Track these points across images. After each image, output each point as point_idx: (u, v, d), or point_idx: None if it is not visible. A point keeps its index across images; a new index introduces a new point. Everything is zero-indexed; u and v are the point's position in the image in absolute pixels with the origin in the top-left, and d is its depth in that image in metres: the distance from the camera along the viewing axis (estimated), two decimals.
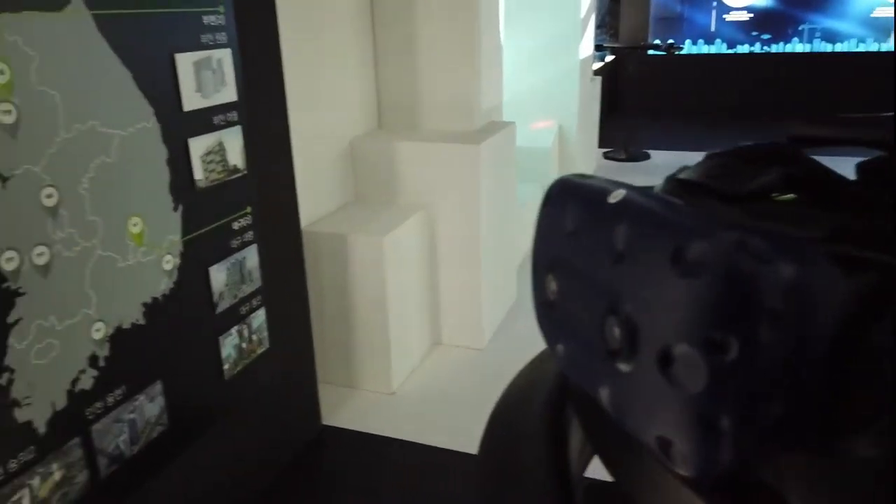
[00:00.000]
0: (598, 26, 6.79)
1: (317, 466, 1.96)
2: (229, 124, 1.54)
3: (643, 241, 0.28)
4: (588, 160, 5.04)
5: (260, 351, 1.71)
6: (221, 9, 1.50)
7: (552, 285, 0.35)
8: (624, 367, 0.29)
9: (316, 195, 2.26)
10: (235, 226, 1.59)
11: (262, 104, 1.67)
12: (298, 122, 2.02)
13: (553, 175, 3.63)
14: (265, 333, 1.72)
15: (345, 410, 2.19)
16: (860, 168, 0.37)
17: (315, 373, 2.02)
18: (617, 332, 0.29)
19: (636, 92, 7.64)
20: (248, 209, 1.63)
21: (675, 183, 0.32)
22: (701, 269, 0.25)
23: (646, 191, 0.31)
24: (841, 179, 0.33)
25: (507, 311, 2.76)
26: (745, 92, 7.39)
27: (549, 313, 0.35)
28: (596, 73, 6.19)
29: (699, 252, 0.25)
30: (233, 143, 1.55)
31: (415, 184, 2.37)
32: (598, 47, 5.60)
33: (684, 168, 0.37)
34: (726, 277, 0.25)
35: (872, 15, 6.90)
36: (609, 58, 7.25)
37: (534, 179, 3.41)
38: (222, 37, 1.50)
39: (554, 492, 0.40)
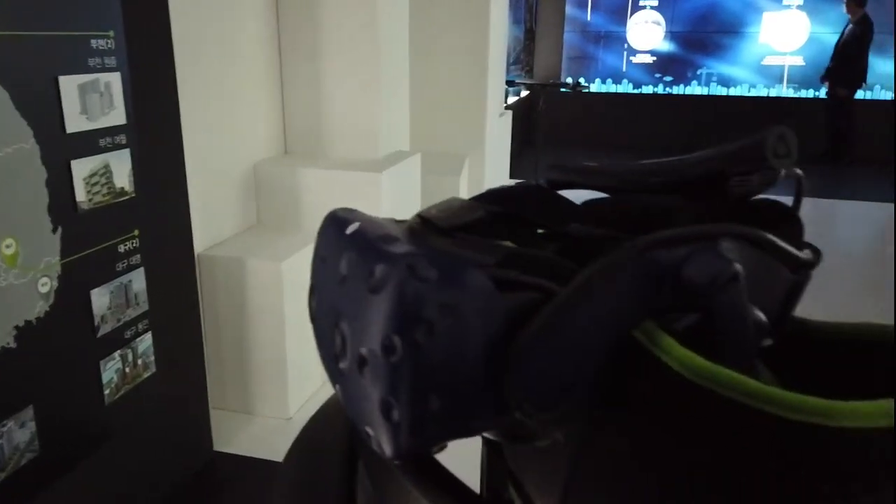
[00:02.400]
0: (513, 63, 7.06)
1: (205, 494, 1.93)
2: (117, 147, 1.54)
3: (356, 265, 0.34)
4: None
5: (146, 375, 1.69)
6: (111, 33, 1.50)
7: (313, 304, 0.41)
8: (344, 368, 0.35)
9: (215, 219, 2.26)
10: (121, 249, 1.58)
11: (154, 128, 1.67)
12: (197, 145, 2.03)
13: None
14: (152, 358, 1.70)
15: (239, 437, 2.17)
16: (584, 204, 0.45)
17: (206, 398, 2.00)
18: (338, 340, 0.35)
19: (548, 127, 7.95)
20: (136, 232, 1.62)
21: (417, 217, 0.38)
22: (382, 286, 0.31)
23: (384, 223, 0.38)
24: (544, 218, 0.41)
25: None
26: (650, 129, 7.82)
27: (314, 328, 0.41)
28: (509, 107, 6.43)
29: (382, 272, 0.32)
30: (120, 166, 1.55)
31: (318, 210, 2.40)
32: (509, 83, 5.83)
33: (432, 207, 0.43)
34: (396, 292, 0.31)
35: (763, 63, 7.49)
36: (524, 93, 7.54)
37: None
38: (111, 61, 1.51)
39: None
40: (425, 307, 0.30)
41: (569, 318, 0.31)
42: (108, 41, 1.50)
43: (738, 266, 0.31)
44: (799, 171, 0.46)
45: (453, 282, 0.31)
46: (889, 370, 0.41)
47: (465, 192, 3.88)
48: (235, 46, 2.30)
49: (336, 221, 0.38)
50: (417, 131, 3.76)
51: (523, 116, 7.70)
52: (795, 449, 0.29)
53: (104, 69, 1.49)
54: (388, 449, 0.32)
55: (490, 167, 4.09)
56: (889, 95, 6.02)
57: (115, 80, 1.52)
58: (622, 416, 0.32)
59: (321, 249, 0.39)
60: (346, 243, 0.36)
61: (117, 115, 1.53)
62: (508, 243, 0.37)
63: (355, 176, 2.35)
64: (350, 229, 0.36)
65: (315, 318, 0.40)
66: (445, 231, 0.36)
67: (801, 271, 0.38)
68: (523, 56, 7.50)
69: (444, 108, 3.81)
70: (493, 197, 0.42)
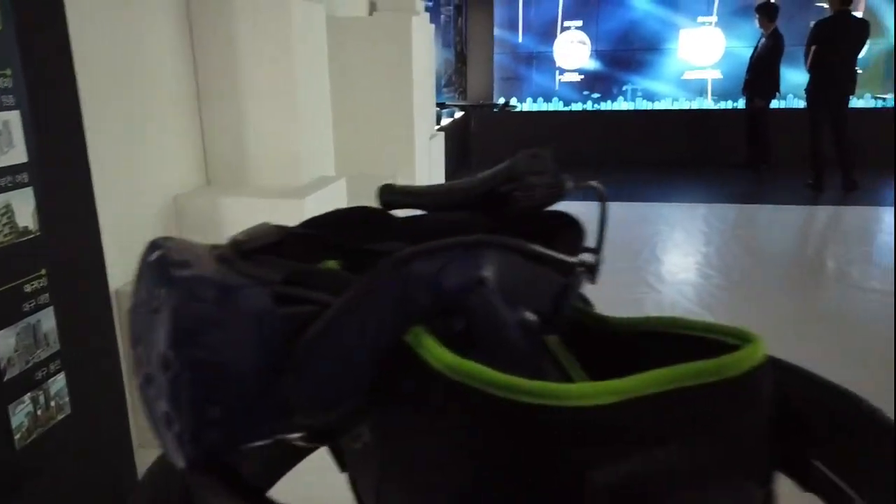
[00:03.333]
0: (445, 85, 7.19)
1: None
2: (18, 186, 1.51)
3: (148, 290, 0.37)
4: None
5: (60, 417, 1.65)
6: (9, 71, 1.49)
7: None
8: (139, 386, 0.38)
9: (134, 254, 2.22)
10: (28, 288, 1.54)
11: (59, 165, 1.65)
12: (110, 180, 2.01)
13: None
14: (66, 399, 1.66)
15: None
16: (403, 221, 0.49)
17: (130, 437, 1.95)
18: (135, 361, 0.38)
19: (484, 146, 8.11)
20: (43, 271, 1.59)
21: (229, 242, 0.41)
22: (161, 308, 0.34)
23: (193, 249, 0.40)
24: (363, 237, 0.44)
25: None
26: (582, 144, 8.04)
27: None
28: (442, 129, 6.53)
29: (163, 295, 0.34)
30: (23, 205, 1.52)
31: None
32: (441, 105, 5.92)
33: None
34: (172, 313, 0.34)
35: (683, 77, 7.82)
36: (459, 114, 7.67)
37: None
38: (9, 99, 1.49)
39: None
40: (200, 325, 0.33)
41: (338, 327, 0.34)
42: (6, 79, 1.48)
43: (485, 272, 0.35)
44: (595, 183, 0.51)
45: (228, 300, 0.34)
46: (672, 354, 0.46)
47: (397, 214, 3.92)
48: (149, 79, 2.29)
49: (148, 250, 0.41)
50: (346, 156, 3.78)
51: (458, 137, 7.82)
52: (540, 427, 0.32)
53: (2, 108, 1.47)
54: (176, 459, 0.35)
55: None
56: (801, 104, 6.36)
57: (13, 118, 1.50)
58: (398, 412, 0.35)
59: (135, 278, 0.41)
60: (145, 270, 0.38)
61: (17, 154, 1.51)
62: (330, 262, 0.40)
63: (278, 203, 2.36)
64: (152, 257, 0.38)
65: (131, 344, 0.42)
66: (247, 254, 0.39)
67: (574, 273, 0.43)
68: (455, 78, 7.64)
69: (371, 132, 3.85)
70: (317, 220, 0.45)
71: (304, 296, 0.35)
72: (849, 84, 6.07)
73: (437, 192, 0.48)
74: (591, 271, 0.45)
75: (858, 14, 6.88)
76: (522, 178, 0.43)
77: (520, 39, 8.07)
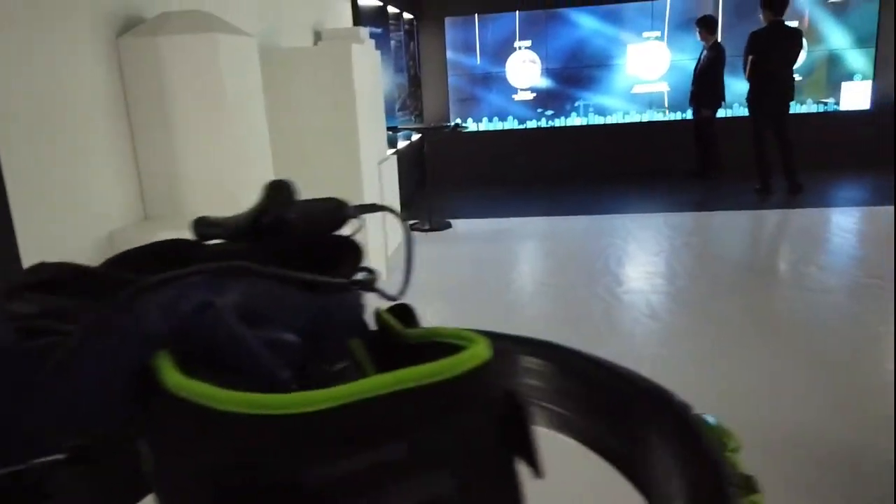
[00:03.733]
0: (401, 109, 7.27)
1: None
2: None
3: None
4: (394, 235, 5.31)
5: None
6: None
7: None
8: None
9: None
10: None
11: None
12: (37, 219, 2.01)
13: None
14: None
15: None
16: (207, 252, 0.52)
17: None
18: None
19: (442, 167, 8.20)
20: None
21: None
22: None
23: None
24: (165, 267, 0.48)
25: None
26: (536, 161, 8.18)
27: None
28: (398, 152, 6.59)
29: None
30: None
31: None
32: (393, 129, 5.99)
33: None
34: None
35: (632, 91, 8.01)
36: (416, 137, 7.75)
37: None
38: None
39: None
40: None
41: (77, 356, 0.37)
42: None
43: (220, 297, 0.39)
44: (391, 209, 0.55)
45: None
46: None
47: None
48: (79, 119, 2.30)
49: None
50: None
51: (417, 159, 7.91)
52: (258, 437, 0.36)
53: None
54: None
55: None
56: (746, 112, 6.55)
57: None
58: (151, 434, 0.39)
59: None
60: None
61: None
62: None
63: None
64: None
65: None
66: (14, 291, 0.42)
67: (349, 292, 0.47)
68: (410, 102, 7.72)
69: (317, 159, 3.89)
70: (129, 254, 0.49)
71: (55, 328, 0.39)
72: (787, 91, 6.28)
73: (232, 223, 0.52)
74: (369, 289, 0.49)
75: (794, 24, 7.14)
76: (271, 208, 0.47)
77: (474, 61, 8.21)
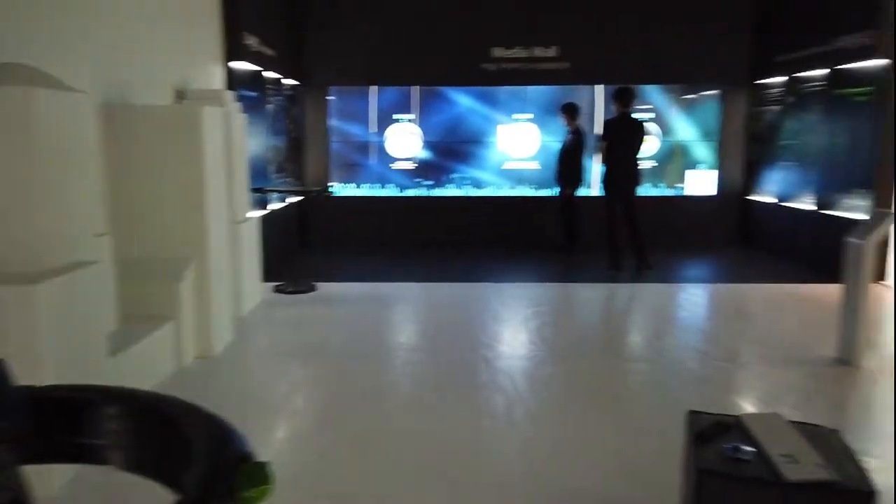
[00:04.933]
0: (278, 171, 7.32)
1: None
2: None
3: None
4: (252, 295, 5.26)
5: None
6: None
7: None
8: None
9: None
10: None
11: None
12: None
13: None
14: None
15: None
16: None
17: None
18: None
19: (322, 230, 8.28)
20: None
21: None
22: None
23: None
24: None
25: None
26: (414, 229, 8.41)
27: None
28: (272, 213, 6.61)
29: None
30: None
31: None
32: (258, 190, 6.02)
33: None
34: None
35: (503, 167, 8.47)
36: (295, 199, 7.81)
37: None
38: None
39: None
40: None
41: None
42: None
43: None
44: None
45: None
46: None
47: (187, 296, 3.89)
48: None
49: None
50: (130, 239, 3.75)
51: (294, 220, 7.93)
52: None
53: None
54: None
55: (218, 272, 4.17)
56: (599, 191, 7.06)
57: None
58: None
59: None
60: None
61: None
62: None
63: (3, 291, 2.30)
64: None
65: None
66: None
67: None
68: (289, 164, 7.80)
69: (162, 215, 3.86)
70: None
71: None
72: (634, 176, 6.85)
73: None
74: None
75: (643, 116, 7.87)
76: None
77: (357, 129, 8.44)
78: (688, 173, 8.49)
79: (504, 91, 8.33)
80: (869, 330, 4.28)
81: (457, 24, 8.13)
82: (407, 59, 8.18)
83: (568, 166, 7.70)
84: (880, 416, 3.45)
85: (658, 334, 5.04)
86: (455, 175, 8.51)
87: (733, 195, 8.47)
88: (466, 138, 8.43)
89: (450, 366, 4.11)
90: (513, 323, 5.28)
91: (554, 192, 8.11)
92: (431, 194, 8.52)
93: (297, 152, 8.15)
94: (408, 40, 8.15)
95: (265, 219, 6.37)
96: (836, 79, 6.65)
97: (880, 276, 6.30)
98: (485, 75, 8.17)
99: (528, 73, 8.15)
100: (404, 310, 5.63)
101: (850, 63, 6.42)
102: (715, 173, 8.47)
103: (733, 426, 2.08)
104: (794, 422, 2.13)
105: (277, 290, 5.90)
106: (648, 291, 6.27)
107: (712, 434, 2.02)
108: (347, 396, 3.61)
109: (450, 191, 8.52)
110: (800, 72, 7.27)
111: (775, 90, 7.82)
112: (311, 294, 5.86)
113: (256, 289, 5.43)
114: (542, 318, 5.27)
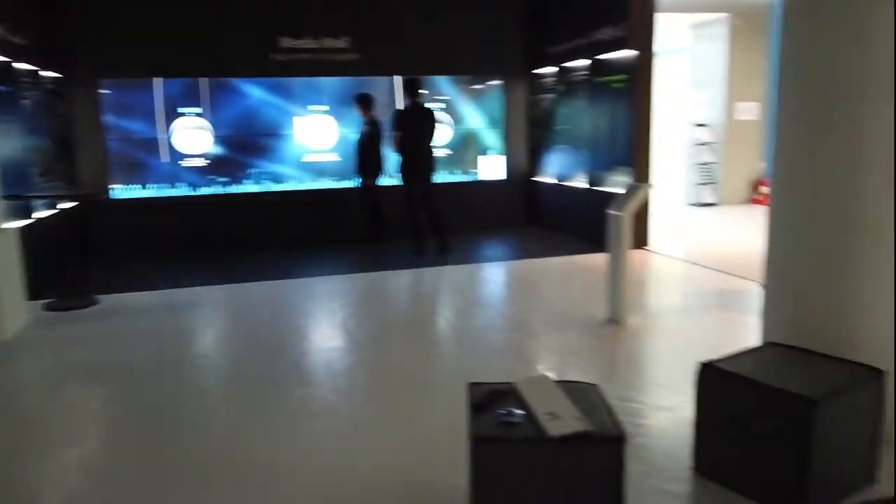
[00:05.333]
0: (43, 174, 6.53)
1: None
2: None
3: None
4: (14, 316, 4.66)
5: None
6: None
7: None
8: None
9: None
10: None
11: None
12: None
13: None
14: None
15: None
16: None
17: None
18: None
19: (99, 237, 7.53)
20: None
21: None
22: None
23: None
24: None
25: None
26: (211, 228, 7.98)
27: None
28: (38, 222, 5.89)
29: None
30: None
31: None
32: (12, 197, 5.33)
33: None
34: None
35: (303, 160, 8.33)
36: (68, 205, 7.02)
37: None
38: None
39: None
40: None
41: None
42: None
43: None
44: None
45: None
46: None
47: None
48: None
49: None
50: None
51: (67, 229, 7.13)
52: None
53: None
54: None
55: None
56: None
57: None
58: None
59: None
60: None
61: None
62: None
63: None
64: None
65: None
66: None
67: None
68: (58, 167, 7.00)
69: None
70: None
71: None
72: (428, 163, 7.11)
73: None
74: None
75: (435, 105, 8.18)
76: None
77: (137, 125, 7.78)
78: (480, 159, 8.97)
79: (298, 82, 8.17)
80: (631, 292, 4.87)
81: (243, 13, 7.81)
82: (190, 49, 7.71)
83: (366, 157, 7.78)
84: (642, 367, 3.96)
85: (459, 314, 5.31)
86: (252, 170, 8.21)
87: (521, 178, 9.11)
88: (262, 131, 8.16)
89: (249, 368, 3.99)
90: (319, 317, 5.25)
91: (356, 183, 8.14)
92: (228, 191, 8.14)
93: (66, 153, 7.34)
94: (190, 28, 7.67)
95: (31, 229, 5.67)
96: (597, 68, 7.41)
97: (644, 242, 7.18)
98: (274, 66, 7.96)
99: (319, 65, 8.08)
100: (202, 315, 5.34)
101: (607, 54, 7.18)
102: (503, 158, 9.04)
103: (508, 392, 2.27)
104: (559, 381, 2.37)
105: (49, 307, 5.29)
106: (450, 273, 6.56)
107: (489, 402, 2.18)
108: (131, 418, 3.36)
109: (248, 187, 8.20)
110: (567, 62, 7.99)
111: (548, 79, 8.52)
112: (94, 308, 5.34)
113: (20, 308, 4.83)
114: (348, 310, 5.30)
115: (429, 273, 6.60)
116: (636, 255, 6.82)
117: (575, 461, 1.96)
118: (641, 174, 6.88)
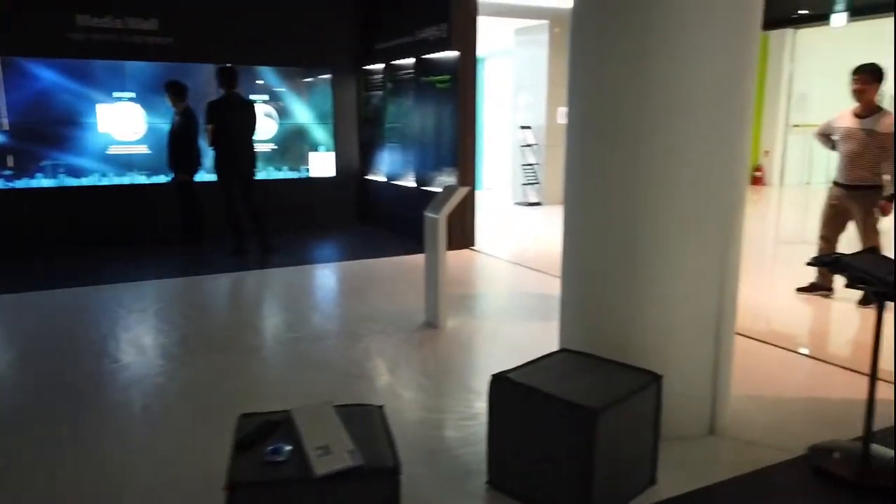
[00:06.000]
0: None
1: None
2: None
3: None
4: None
5: None
6: None
7: None
8: None
9: None
10: None
11: None
12: None
13: None
14: None
15: None
16: None
17: None
18: None
19: None
20: None
21: None
22: None
23: None
24: None
25: None
26: None
27: None
28: None
29: None
30: None
31: None
32: None
33: None
34: None
35: (108, 152, 7.52)
36: None
37: None
38: None
39: None
40: None
41: None
42: None
43: None
44: None
45: None
46: None
47: None
48: None
49: None
50: None
51: None
52: None
53: None
54: None
55: None
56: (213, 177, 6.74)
57: None
58: None
59: None
60: None
61: None
62: None
63: None
64: None
65: None
66: None
67: None
68: None
69: None
70: None
71: None
72: (248, 158, 6.68)
73: None
74: None
75: (258, 98, 7.74)
76: None
77: None
78: (311, 155, 8.63)
79: (101, 66, 7.34)
80: (453, 293, 4.84)
81: None
82: None
83: (180, 150, 7.16)
84: (455, 373, 3.91)
85: (278, 322, 5.00)
86: (46, 163, 7.28)
87: (351, 176, 8.90)
88: (57, 119, 7.25)
89: (36, 393, 3.44)
90: (120, 330, 4.70)
91: (169, 178, 7.49)
92: (15, 186, 7.16)
93: None
94: None
95: None
96: (423, 68, 7.37)
97: (471, 242, 7.26)
98: (72, 47, 7.09)
99: (125, 47, 7.33)
100: None
101: (431, 53, 7.16)
102: (333, 155, 8.77)
103: (282, 423, 2.06)
104: (341, 406, 2.20)
105: None
106: (272, 276, 6.21)
107: (256, 437, 1.97)
108: None
109: (41, 181, 7.26)
110: (394, 59, 7.88)
111: (378, 76, 8.38)
112: None
113: None
114: (150, 321, 4.79)
115: (250, 276, 6.20)
116: (462, 255, 6.88)
117: (345, 499, 1.81)
118: (466, 175, 6.93)
